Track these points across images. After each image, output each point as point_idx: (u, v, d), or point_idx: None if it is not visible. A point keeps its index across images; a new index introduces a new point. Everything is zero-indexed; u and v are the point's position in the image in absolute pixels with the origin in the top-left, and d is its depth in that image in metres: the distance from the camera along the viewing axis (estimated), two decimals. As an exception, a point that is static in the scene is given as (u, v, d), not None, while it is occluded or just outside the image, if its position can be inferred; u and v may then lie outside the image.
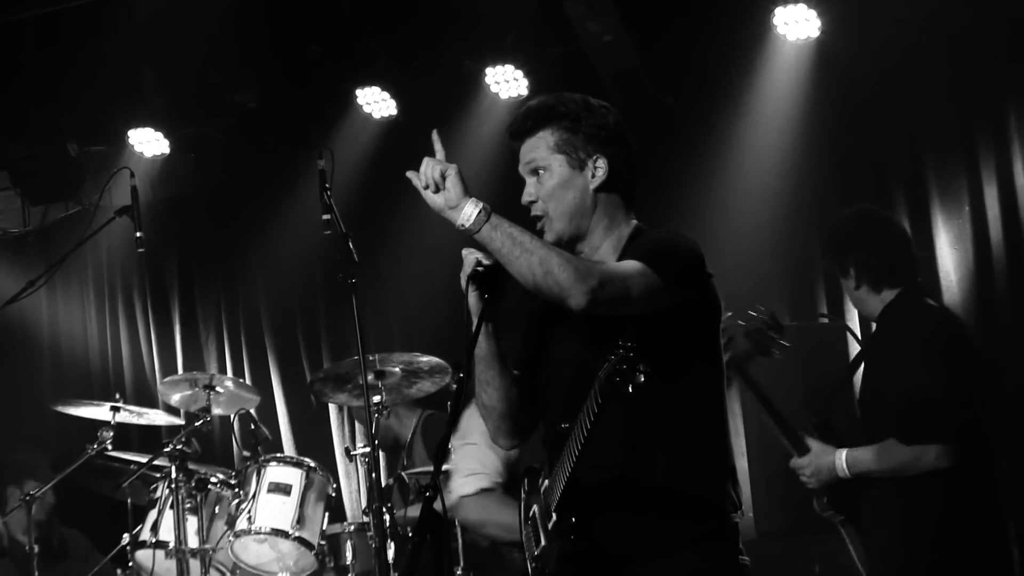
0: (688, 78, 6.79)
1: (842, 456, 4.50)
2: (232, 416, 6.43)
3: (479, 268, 3.12)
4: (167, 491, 5.67)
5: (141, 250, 5.27)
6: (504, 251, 3.00)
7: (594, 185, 3.20)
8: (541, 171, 3.22)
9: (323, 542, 5.66)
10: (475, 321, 3.14)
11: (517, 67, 6.80)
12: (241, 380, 7.01)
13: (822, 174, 6.60)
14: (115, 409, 6.18)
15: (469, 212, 3.02)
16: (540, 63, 6.83)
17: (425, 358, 5.75)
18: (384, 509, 5.07)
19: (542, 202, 3.22)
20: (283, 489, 5.67)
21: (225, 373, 7.75)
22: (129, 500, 6.09)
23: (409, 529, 5.42)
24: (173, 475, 5.62)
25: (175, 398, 6.38)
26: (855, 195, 6.35)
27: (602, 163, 3.20)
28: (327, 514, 5.76)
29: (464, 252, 3.14)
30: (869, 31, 6.41)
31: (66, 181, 7.57)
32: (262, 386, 7.44)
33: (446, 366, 5.77)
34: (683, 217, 6.32)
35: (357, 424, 7.46)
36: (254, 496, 5.64)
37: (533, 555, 3.27)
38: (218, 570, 5.72)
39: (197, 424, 5.92)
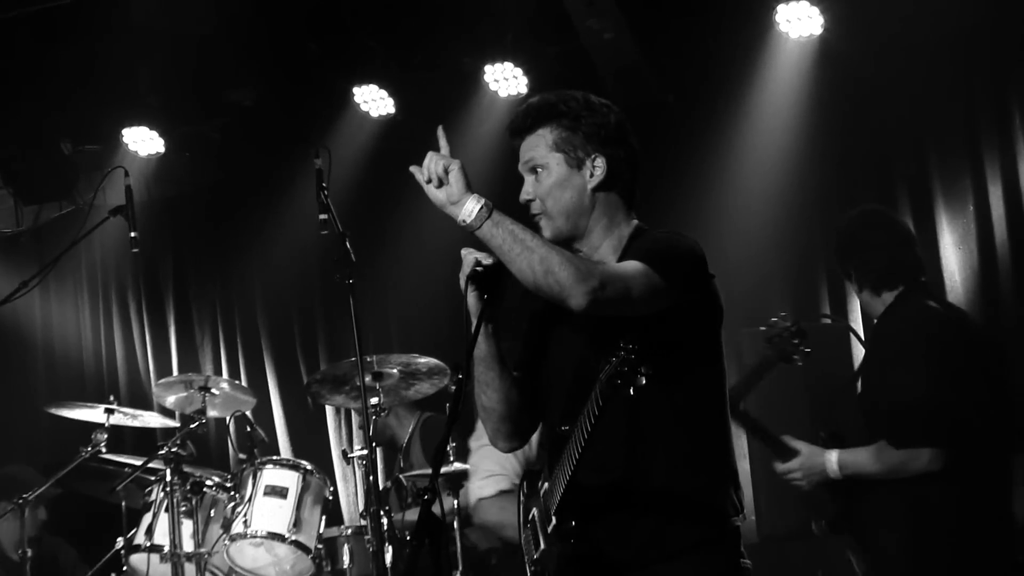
0: (689, 76, 6.79)
1: (833, 457, 4.51)
2: (228, 418, 6.34)
3: (478, 268, 3.10)
4: (162, 494, 5.65)
5: (136, 250, 5.26)
6: (505, 248, 2.98)
7: (592, 184, 3.19)
8: (539, 169, 3.21)
9: (320, 546, 5.66)
10: (474, 322, 3.13)
11: (516, 65, 6.79)
12: (237, 382, 7.04)
13: (825, 174, 6.60)
14: (109, 411, 6.14)
15: (471, 208, 2.99)
16: (540, 61, 6.82)
17: (423, 359, 5.77)
18: (382, 512, 5.07)
19: (540, 200, 3.20)
20: (279, 492, 5.66)
21: (221, 375, 7.76)
22: (123, 503, 6.09)
23: (407, 533, 5.44)
24: (168, 478, 5.59)
25: (170, 400, 6.37)
26: (858, 195, 6.36)
27: (600, 162, 3.19)
28: (324, 517, 5.76)
29: (463, 252, 3.13)
30: (872, 29, 6.40)
31: (60, 180, 7.57)
32: (258, 388, 7.41)
33: (445, 367, 5.78)
34: (684, 217, 6.32)
35: (354, 426, 7.47)
36: (250, 499, 5.64)
37: (532, 559, 3.25)
38: (213, 574, 5.70)
39: (192, 426, 5.90)
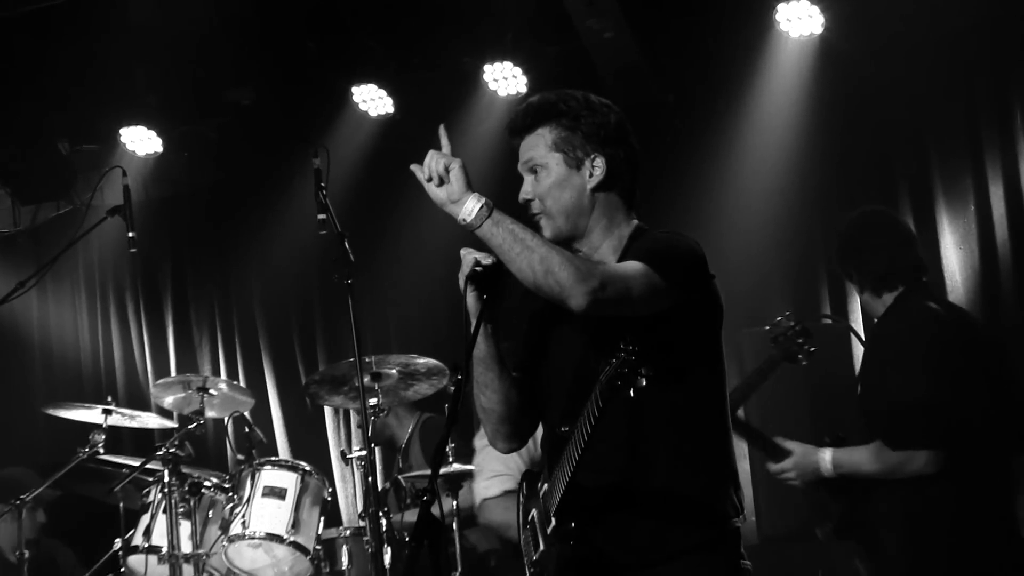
0: (690, 76, 6.79)
1: (827, 455, 4.52)
2: (226, 419, 6.30)
3: (478, 268, 3.08)
4: (160, 495, 5.63)
5: (133, 250, 5.27)
6: (505, 248, 2.97)
7: (591, 185, 3.18)
8: (539, 169, 3.20)
9: (318, 547, 5.62)
10: (473, 322, 3.11)
11: (516, 64, 6.79)
12: (235, 382, 7.06)
13: (825, 173, 6.61)
14: (107, 412, 6.11)
15: (471, 207, 2.98)
16: (539, 60, 6.81)
17: (422, 360, 5.76)
18: (381, 513, 5.04)
19: (539, 200, 3.19)
20: (278, 493, 5.63)
21: (219, 375, 7.73)
22: (121, 504, 6.09)
23: (406, 534, 5.43)
24: (166, 479, 5.57)
25: (168, 401, 6.34)
26: (859, 194, 6.37)
27: (600, 162, 3.17)
28: (323, 518, 5.73)
29: (463, 252, 3.12)
30: (873, 28, 6.40)
31: (57, 180, 7.57)
32: (256, 388, 7.39)
33: (444, 368, 5.77)
34: (684, 217, 6.31)
35: (353, 427, 7.45)
36: (248, 500, 5.61)
37: (531, 560, 3.24)
38: None
39: (190, 427, 5.86)
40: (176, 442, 5.67)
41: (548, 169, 3.18)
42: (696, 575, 3.06)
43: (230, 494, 5.67)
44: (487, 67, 6.80)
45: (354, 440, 7.50)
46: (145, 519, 5.73)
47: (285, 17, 6.74)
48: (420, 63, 6.98)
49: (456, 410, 3.00)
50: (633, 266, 3.01)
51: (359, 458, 5.63)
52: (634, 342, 2.78)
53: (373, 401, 5.61)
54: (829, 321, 6.13)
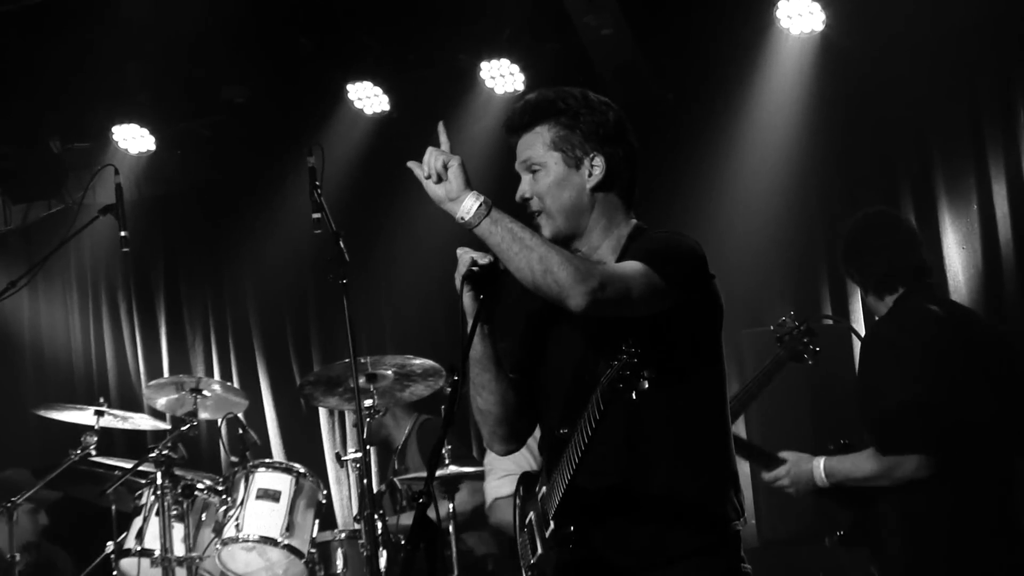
0: (689, 73, 6.78)
1: (820, 464, 4.51)
2: (219, 420, 6.39)
3: (474, 268, 3.07)
4: (153, 498, 5.62)
5: (126, 250, 5.26)
6: (503, 247, 2.96)
7: (591, 184, 3.16)
8: (537, 168, 3.18)
9: (313, 550, 5.62)
10: (470, 322, 3.09)
11: (513, 61, 6.77)
12: (229, 383, 6.99)
13: (827, 172, 6.60)
14: (99, 413, 6.13)
15: (469, 205, 2.97)
16: (537, 57, 6.79)
17: (418, 361, 5.76)
18: (376, 516, 5.05)
19: (538, 199, 3.17)
20: (272, 495, 5.61)
21: (212, 376, 7.74)
22: (113, 507, 6.07)
23: (402, 537, 5.44)
24: (159, 481, 5.57)
25: (161, 402, 6.34)
26: (860, 194, 6.39)
27: (599, 161, 3.16)
28: (317, 521, 5.72)
29: (459, 251, 3.11)
30: (875, 25, 6.39)
31: (48, 179, 7.56)
32: (250, 390, 7.40)
33: (440, 369, 5.77)
34: (684, 216, 6.31)
35: (348, 428, 7.47)
36: (242, 503, 5.59)
37: (529, 563, 3.22)
38: (205, 579, 5.69)
39: (183, 429, 5.87)
40: (169, 444, 5.67)
41: (547, 168, 3.16)
42: (696, 580, 3.05)
43: (223, 496, 5.66)
44: (484, 64, 6.77)
45: (349, 442, 7.51)
46: (138, 522, 5.72)
47: (279, 14, 6.72)
48: (416, 60, 6.96)
49: (453, 412, 2.97)
50: (633, 266, 2.99)
51: (354, 460, 5.60)
52: (636, 344, 2.77)
53: (368, 402, 5.61)
54: (830, 321, 6.14)
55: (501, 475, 5.24)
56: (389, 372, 5.76)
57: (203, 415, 6.20)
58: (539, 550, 3.16)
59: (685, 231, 3.21)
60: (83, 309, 8.44)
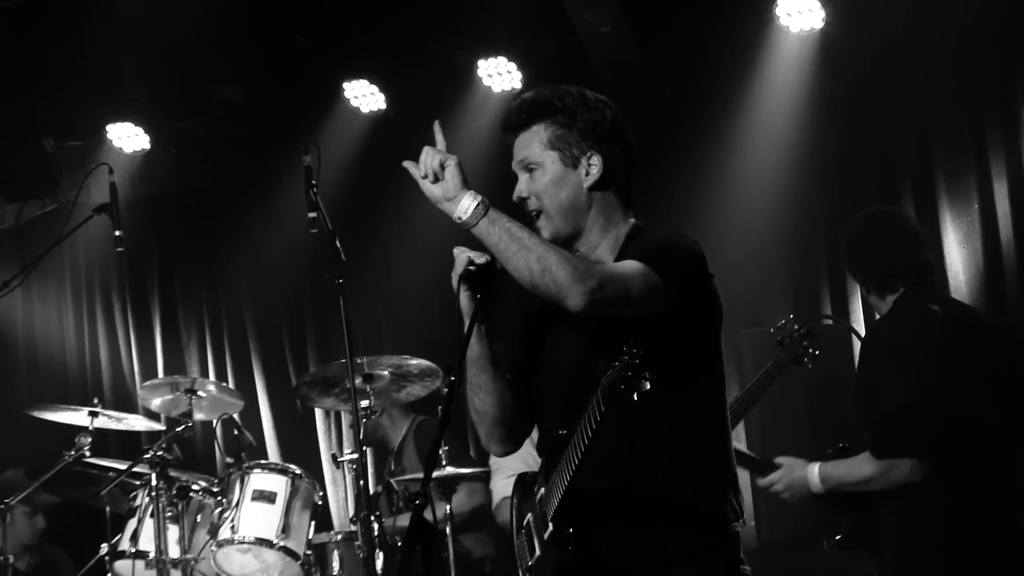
0: (688, 71, 6.77)
1: (814, 470, 4.51)
2: (215, 421, 6.36)
3: (471, 267, 3.06)
4: (147, 499, 5.62)
5: (120, 249, 5.25)
6: (501, 247, 2.95)
7: (588, 183, 3.15)
8: (534, 167, 3.17)
9: (309, 552, 5.61)
10: (467, 322, 3.09)
11: (510, 59, 6.76)
12: (224, 384, 7.04)
13: (827, 171, 6.59)
14: (93, 414, 6.11)
15: (467, 205, 2.96)
16: (534, 55, 6.79)
17: (415, 361, 5.78)
18: (372, 518, 5.05)
19: (535, 199, 3.17)
20: (267, 497, 5.61)
21: (207, 377, 7.73)
22: (108, 508, 6.08)
23: (398, 538, 5.45)
24: (153, 482, 5.56)
25: (155, 403, 6.32)
26: (860, 192, 6.39)
27: (596, 160, 3.15)
28: (313, 523, 5.72)
29: (456, 251, 3.10)
30: (875, 22, 6.38)
31: (42, 178, 7.54)
32: (246, 390, 7.37)
33: (437, 369, 5.79)
34: (683, 215, 6.29)
35: (344, 429, 7.48)
36: (237, 504, 5.59)
37: (527, 565, 3.20)
38: (200, 582, 5.70)
39: (178, 430, 5.86)
40: (164, 445, 5.66)
41: (543, 167, 3.15)
42: (695, 581, 3.04)
43: (219, 498, 5.65)
44: (481, 62, 6.77)
45: (345, 443, 7.52)
46: (132, 523, 5.72)
47: (275, 11, 6.70)
48: (413, 58, 6.95)
49: (449, 412, 2.97)
50: (632, 266, 2.98)
51: (350, 461, 5.66)
52: (638, 345, 2.76)
53: (365, 403, 5.61)
54: (830, 322, 6.13)
55: (508, 474, 5.25)
56: (385, 372, 5.76)
57: (198, 416, 6.20)
58: (537, 552, 3.14)
59: (684, 230, 3.19)
60: (77, 309, 8.44)
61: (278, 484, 5.64)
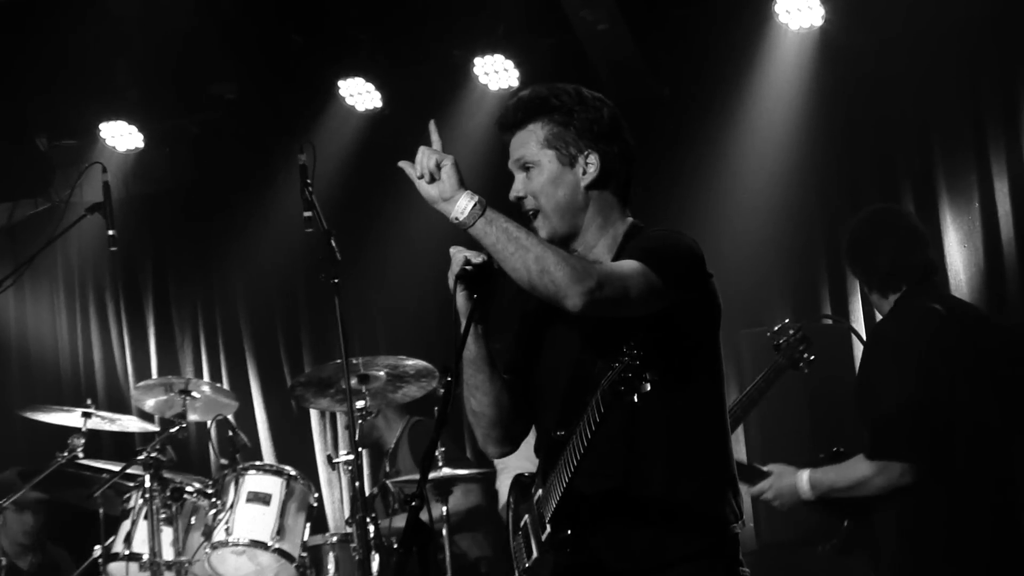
0: (686, 69, 6.75)
1: (804, 477, 4.50)
2: (209, 422, 6.41)
3: (468, 267, 3.05)
4: (141, 501, 5.61)
5: (114, 249, 5.23)
6: (498, 247, 2.94)
7: (585, 182, 3.15)
8: (530, 166, 3.16)
9: (304, 554, 5.62)
10: (463, 323, 3.08)
11: (508, 57, 6.74)
12: (218, 385, 7.02)
13: (827, 170, 6.58)
14: (87, 415, 6.12)
15: (463, 205, 2.95)
16: (532, 53, 6.77)
17: (411, 361, 5.77)
18: (368, 519, 5.05)
19: (532, 198, 3.16)
20: (262, 498, 5.61)
21: (201, 377, 7.74)
22: (101, 510, 6.05)
23: (394, 540, 5.45)
24: (147, 484, 5.56)
25: (149, 404, 6.32)
26: (860, 191, 6.39)
27: (594, 159, 3.14)
28: (308, 524, 5.72)
29: (452, 250, 3.08)
30: (875, 20, 6.37)
31: (35, 177, 7.52)
32: (240, 391, 7.36)
33: (433, 370, 5.78)
34: (681, 214, 6.28)
35: (340, 430, 7.48)
36: (232, 506, 5.59)
37: (524, 567, 3.19)
38: (194, 583, 5.71)
39: (172, 431, 5.85)
40: (158, 446, 5.66)
41: (540, 166, 3.14)
42: (695, 583, 3.04)
43: (213, 500, 5.66)
44: (478, 60, 6.75)
45: (341, 444, 7.50)
46: (126, 525, 5.72)
47: (270, 9, 6.70)
48: (409, 56, 6.95)
49: (446, 413, 2.96)
50: (630, 265, 2.97)
51: (346, 462, 5.63)
52: (638, 346, 2.75)
53: (360, 404, 5.60)
54: (830, 321, 6.14)
55: (515, 473, 5.23)
56: (381, 373, 5.75)
57: (192, 417, 6.19)
58: (535, 553, 3.12)
59: (682, 229, 3.19)
60: (70, 309, 8.42)
61: (273, 486, 5.64)
